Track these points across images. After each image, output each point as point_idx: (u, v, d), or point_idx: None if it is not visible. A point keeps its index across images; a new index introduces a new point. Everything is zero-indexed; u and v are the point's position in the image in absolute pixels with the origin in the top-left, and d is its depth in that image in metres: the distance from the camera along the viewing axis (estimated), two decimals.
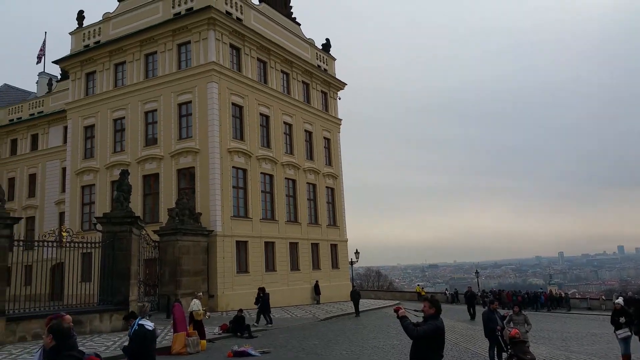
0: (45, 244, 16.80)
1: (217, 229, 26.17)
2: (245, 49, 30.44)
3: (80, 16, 34.25)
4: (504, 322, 12.06)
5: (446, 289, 58.93)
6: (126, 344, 7.52)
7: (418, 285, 60.03)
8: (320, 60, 38.33)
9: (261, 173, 30.22)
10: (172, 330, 14.73)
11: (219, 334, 17.37)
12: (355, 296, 25.74)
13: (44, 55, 44.55)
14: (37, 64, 44.86)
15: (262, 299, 20.28)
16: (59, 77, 42.46)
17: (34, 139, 40.16)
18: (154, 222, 27.24)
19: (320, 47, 39.01)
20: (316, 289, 31.57)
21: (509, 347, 10.56)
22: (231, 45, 29.63)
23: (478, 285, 55.87)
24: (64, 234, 17.36)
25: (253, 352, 13.56)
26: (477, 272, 58.85)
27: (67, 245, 17.23)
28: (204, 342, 14.72)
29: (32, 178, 39.45)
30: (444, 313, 6.25)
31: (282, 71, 33.63)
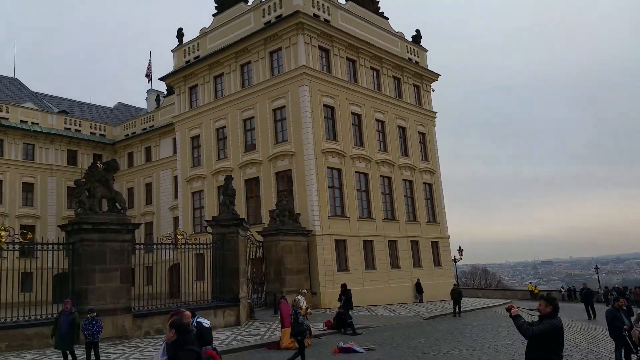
0: (163, 246, 18.27)
1: (316, 228, 26.77)
2: (334, 49, 30.82)
3: (180, 34, 36.71)
4: (633, 321, 11.07)
5: (562, 287, 55.21)
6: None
7: (530, 283, 56.85)
8: (411, 53, 37.71)
9: (355, 172, 30.41)
10: (279, 325, 15.34)
11: (324, 330, 17.77)
12: (455, 295, 24.70)
13: (151, 73, 48.40)
14: (148, 82, 48.95)
15: (345, 297, 20.17)
16: (166, 92, 45.88)
17: (148, 151, 43.71)
18: (257, 224, 28.50)
19: (410, 40, 38.37)
20: (418, 288, 31.10)
21: (638, 348, 9.69)
22: (320, 48, 30.15)
23: (599, 281, 51.58)
24: (179, 237, 18.73)
25: (358, 349, 13.71)
26: (596, 268, 54.53)
27: (182, 247, 18.60)
28: (308, 337, 15.14)
29: (148, 187, 42.97)
30: (559, 312, 5.93)
31: (371, 68, 33.58)
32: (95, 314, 11.63)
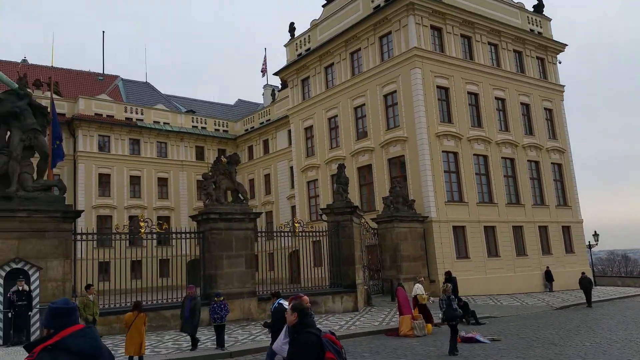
0: (282, 234, 18.96)
1: (432, 214, 26.00)
2: (447, 27, 29.51)
3: (292, 28, 37.63)
4: None
5: None
6: (268, 320, 9.40)
7: None
8: (533, 24, 34.87)
9: (474, 155, 28.96)
10: (397, 313, 15.14)
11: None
12: (585, 284, 22.41)
13: (267, 69, 50.37)
14: (262, 76, 51.13)
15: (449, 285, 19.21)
16: (280, 86, 47.55)
17: (265, 144, 45.69)
18: (370, 211, 28.43)
19: (532, 9, 35.49)
20: (548, 276, 28.92)
21: None
22: (432, 27, 29.05)
23: None
24: (296, 225, 19.31)
25: (482, 339, 13.07)
26: None
27: (300, 234, 19.14)
28: (429, 325, 14.76)
29: (267, 178, 44.98)
30: None
31: (489, 43, 31.65)
32: (222, 298, 12.17)
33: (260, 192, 45.35)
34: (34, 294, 13.40)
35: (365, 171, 30.84)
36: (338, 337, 4.63)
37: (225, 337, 12.50)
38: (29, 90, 15.85)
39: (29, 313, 13.19)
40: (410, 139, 27.62)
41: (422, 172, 26.76)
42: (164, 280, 17.38)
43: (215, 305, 11.85)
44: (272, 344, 9.29)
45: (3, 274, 13.27)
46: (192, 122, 47.42)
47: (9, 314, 12.95)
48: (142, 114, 44.26)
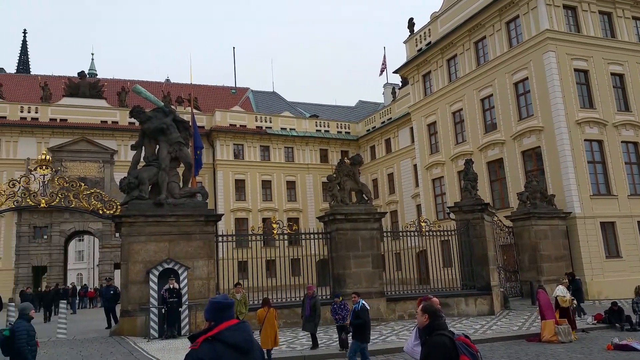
0: (408, 233, 18.69)
1: (576, 210, 23.77)
2: (583, 4, 26.83)
3: (411, 24, 37.01)
4: None
5: None
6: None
7: None
8: None
9: (622, 142, 25.96)
10: (538, 317, 14.08)
11: (593, 323, 15.64)
12: None
13: (386, 68, 50.18)
14: (380, 75, 51.03)
15: (573, 287, 17.07)
16: (400, 84, 47.04)
17: (387, 143, 45.49)
18: (504, 208, 26.84)
19: None
20: None
21: None
22: (565, 6, 26.62)
23: None
24: (423, 224, 18.91)
25: (639, 347, 11.63)
26: None
27: (427, 234, 18.71)
28: (573, 331, 13.51)
29: (390, 177, 44.75)
30: None
31: (633, 17, 28.16)
32: (341, 298, 12.21)
33: (383, 192, 45.25)
34: (183, 292, 14.77)
35: (495, 166, 29.22)
36: (473, 341, 4.42)
37: None
38: (172, 107, 17.57)
39: (180, 309, 14.56)
40: (546, 128, 25.58)
41: (561, 164, 24.62)
42: (296, 279, 18.10)
43: (335, 306, 11.93)
44: (353, 342, 9.70)
45: (157, 273, 14.82)
46: (316, 126, 48.88)
47: (163, 310, 14.42)
48: (270, 122, 46.69)
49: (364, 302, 10.31)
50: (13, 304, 23.56)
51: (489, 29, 29.39)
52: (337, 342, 12.26)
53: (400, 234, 19.69)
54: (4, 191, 15.30)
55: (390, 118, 45.51)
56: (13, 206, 15.80)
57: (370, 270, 17.22)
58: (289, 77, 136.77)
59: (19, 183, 15.50)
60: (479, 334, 13.62)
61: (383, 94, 53.00)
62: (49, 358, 11.70)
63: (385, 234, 18.88)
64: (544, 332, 13.12)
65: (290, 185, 46.12)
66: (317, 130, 48.50)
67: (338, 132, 49.67)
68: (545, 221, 22.95)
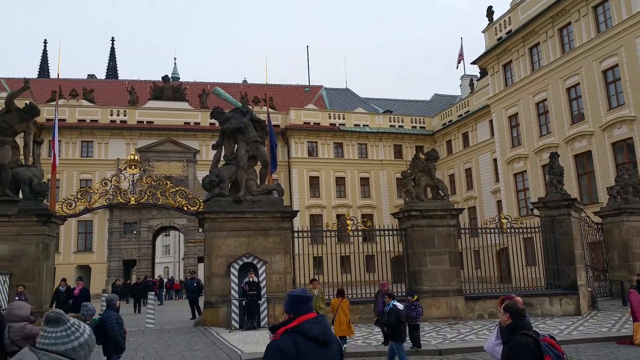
0: (488, 230, 18.06)
1: None
2: None
3: (490, 12, 35.62)
4: None
5: None
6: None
7: None
8: None
9: None
10: (630, 318, 13.12)
11: None
12: None
13: (463, 59, 48.67)
14: (457, 67, 49.58)
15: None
16: (479, 75, 45.43)
17: (465, 137, 44.15)
18: (592, 204, 25.23)
19: None
20: None
21: None
22: None
23: None
24: (503, 220, 18.19)
25: None
26: None
27: (508, 231, 17.98)
28: None
29: (468, 172, 43.42)
30: None
31: None
32: (415, 297, 11.84)
33: (461, 188, 43.99)
34: (262, 285, 15.25)
35: (583, 159, 27.51)
36: (558, 342, 4.25)
37: (433, 334, 12.41)
38: (249, 107, 18.18)
39: (259, 301, 15.06)
40: (638, 118, 23.71)
41: None
42: (371, 275, 18.07)
43: (407, 305, 11.61)
44: (385, 342, 9.51)
45: (237, 267, 15.41)
46: (390, 121, 48.43)
47: (243, 302, 14.97)
48: (343, 118, 46.87)
49: (395, 303, 10.24)
50: (105, 294, 25.42)
51: (574, 14, 27.66)
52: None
53: (479, 230, 19.06)
54: (97, 190, 16.56)
55: (468, 111, 44.12)
56: (105, 203, 17.05)
57: (447, 267, 16.84)
58: (362, 73, 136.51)
59: (111, 182, 16.69)
60: (564, 335, 12.93)
61: (460, 86, 51.46)
62: (139, 346, 12.53)
63: (463, 231, 18.38)
64: (637, 335, 12.21)
65: (364, 182, 46.07)
66: (390, 126, 48.06)
67: (412, 127, 48.91)
68: (638, 217, 21.31)
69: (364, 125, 47.21)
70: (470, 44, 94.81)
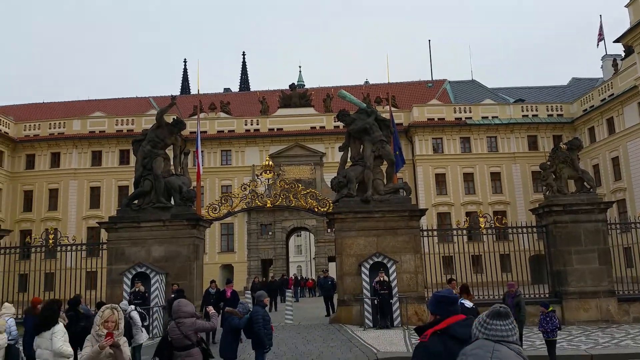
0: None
1: None
2: None
3: None
4: None
5: None
6: None
7: None
8: None
9: None
10: None
11: None
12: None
13: (603, 38, 44.04)
14: (597, 46, 44.94)
15: None
16: (623, 54, 40.75)
17: (610, 123, 39.83)
18: None
19: None
20: None
21: None
22: None
23: None
24: None
25: None
26: None
27: None
28: None
29: (615, 161, 39.09)
30: None
31: None
32: (550, 309, 10.30)
33: (607, 179, 39.76)
34: (393, 284, 15.28)
35: None
36: None
37: (582, 338, 11.38)
38: (372, 107, 18.34)
39: (391, 301, 15.11)
40: None
41: None
42: (506, 276, 17.12)
43: (542, 317, 10.20)
44: None
45: (367, 266, 15.62)
46: (522, 111, 45.40)
47: (375, 301, 15.13)
48: (470, 112, 45.02)
49: (463, 301, 8.77)
50: (249, 292, 27.21)
51: None
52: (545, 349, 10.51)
53: (633, 225, 17.11)
54: (237, 194, 17.91)
55: (613, 94, 39.75)
56: (245, 207, 18.35)
57: (597, 266, 15.41)
58: (488, 62, 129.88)
59: (249, 187, 17.94)
60: None
61: (601, 67, 46.57)
62: (280, 340, 13.29)
63: (612, 227, 16.65)
64: None
65: (495, 177, 43.76)
66: (523, 116, 45.05)
67: (548, 115, 45.33)
68: None
69: (493, 117, 44.85)
70: (610, 23, 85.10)
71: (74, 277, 15.95)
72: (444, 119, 44.63)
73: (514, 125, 44.09)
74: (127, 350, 4.95)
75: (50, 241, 16.95)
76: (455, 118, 44.61)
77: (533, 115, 45.11)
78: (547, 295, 16.20)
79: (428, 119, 44.44)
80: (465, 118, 44.55)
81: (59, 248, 17.12)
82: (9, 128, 42.90)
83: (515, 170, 43.52)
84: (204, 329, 6.20)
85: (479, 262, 20.25)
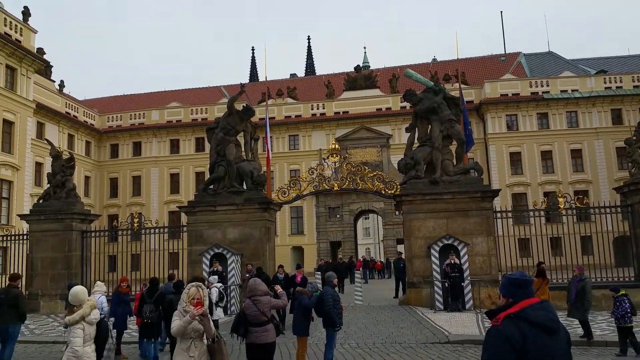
0: None
1: None
2: None
3: None
4: None
5: None
6: None
7: None
8: None
9: None
10: None
11: None
12: None
13: None
14: None
15: None
16: None
17: None
18: None
19: None
20: None
21: None
22: None
23: None
24: None
25: None
26: None
27: None
28: None
29: None
30: None
31: None
32: (621, 292, 9.43)
33: None
34: (464, 267, 15.00)
35: None
36: None
37: None
38: (441, 85, 17.86)
39: (462, 284, 14.85)
40: None
41: None
42: (588, 258, 16.27)
43: (615, 300, 9.48)
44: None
45: (437, 248, 15.42)
46: (604, 83, 42.35)
47: (446, 284, 14.94)
48: (547, 85, 42.63)
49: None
50: (319, 273, 27.65)
51: None
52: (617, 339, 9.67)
53: None
54: (306, 178, 18.22)
55: None
56: (313, 190, 18.64)
57: None
58: (566, 33, 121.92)
59: (316, 171, 18.18)
60: None
61: None
62: (350, 320, 13.50)
63: None
64: None
65: (576, 154, 41.33)
66: (606, 88, 42.05)
67: (634, 86, 42.00)
68: None
69: (572, 90, 42.21)
70: None
71: (158, 258, 17.01)
72: (518, 94, 42.59)
73: (595, 99, 41.30)
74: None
75: (135, 225, 18.15)
76: (531, 93, 42.43)
77: (617, 87, 41.98)
78: (632, 279, 15.27)
79: (501, 95, 42.59)
80: (542, 92, 42.28)
81: (143, 231, 18.33)
82: (94, 120, 46.02)
83: (597, 146, 40.90)
84: (278, 306, 6.65)
85: (557, 244, 19.38)
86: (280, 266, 14.73)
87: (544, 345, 2.75)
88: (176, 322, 5.04)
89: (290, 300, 9.79)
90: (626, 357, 9.26)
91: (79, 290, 6.06)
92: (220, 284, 10.36)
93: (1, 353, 8.78)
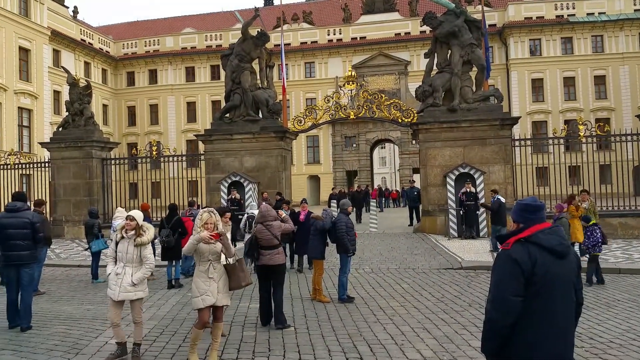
0: None
1: None
2: None
3: None
4: None
5: None
6: None
7: None
8: None
9: None
10: None
11: None
12: None
13: None
14: None
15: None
16: None
17: None
18: None
19: None
20: None
21: None
22: None
23: None
24: None
25: None
26: None
27: None
28: None
29: None
30: None
31: None
32: (591, 222, 9.34)
33: None
34: (479, 195, 15.07)
35: None
36: None
37: None
38: (463, 7, 17.06)
39: (477, 212, 14.99)
40: None
41: None
42: (606, 187, 16.18)
43: (586, 230, 9.46)
44: None
45: (453, 177, 15.44)
46: (634, 5, 40.05)
47: (461, 212, 15.10)
48: (573, 8, 40.50)
49: (499, 197, 11.31)
50: (335, 201, 28.01)
51: None
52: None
53: None
54: (321, 107, 18.05)
55: None
56: (329, 119, 18.52)
57: None
58: None
59: (332, 99, 17.96)
60: None
61: None
62: (365, 247, 13.86)
63: None
64: None
65: (599, 81, 39.97)
66: (635, 10, 39.83)
67: None
68: None
69: (599, 13, 40.08)
70: None
71: (177, 186, 17.39)
72: (543, 17, 40.67)
73: (624, 22, 39.22)
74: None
75: (154, 153, 18.39)
76: (557, 16, 40.47)
77: None
78: None
79: (525, 19, 40.72)
80: (568, 15, 40.28)
81: (162, 159, 18.59)
82: (109, 47, 45.41)
83: (623, 72, 39.42)
84: (287, 230, 7.03)
85: (576, 173, 19.24)
86: (286, 202, 11.97)
87: (553, 269, 2.78)
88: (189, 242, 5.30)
89: (294, 240, 10.38)
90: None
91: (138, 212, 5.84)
92: (253, 212, 10.34)
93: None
